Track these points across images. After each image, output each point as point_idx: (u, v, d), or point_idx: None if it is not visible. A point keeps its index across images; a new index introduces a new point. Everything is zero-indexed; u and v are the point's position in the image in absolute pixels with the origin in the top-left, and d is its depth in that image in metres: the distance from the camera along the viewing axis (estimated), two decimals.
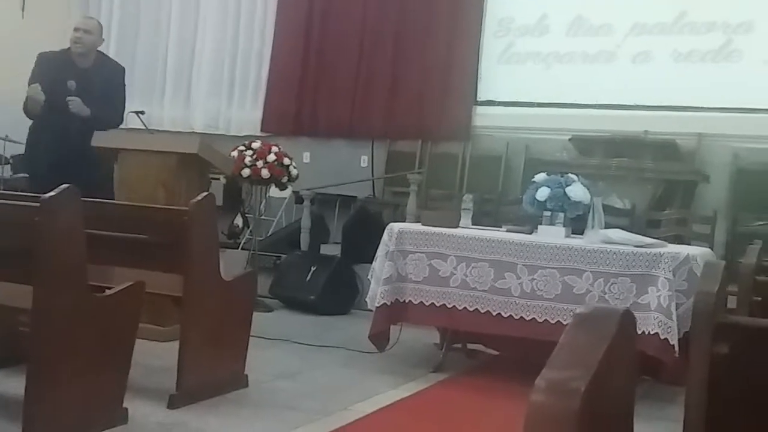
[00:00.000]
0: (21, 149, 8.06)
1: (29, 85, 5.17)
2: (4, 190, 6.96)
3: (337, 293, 6.27)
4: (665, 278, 3.89)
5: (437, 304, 4.36)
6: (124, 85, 5.49)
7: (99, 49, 5.47)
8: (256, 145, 6.26)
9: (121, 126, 8.49)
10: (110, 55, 9.25)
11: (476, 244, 4.31)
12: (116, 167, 4.96)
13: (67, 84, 5.18)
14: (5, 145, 7.94)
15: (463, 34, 7.65)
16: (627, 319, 1.09)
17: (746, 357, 1.57)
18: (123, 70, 5.57)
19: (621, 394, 1.10)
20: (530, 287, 4.15)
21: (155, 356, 4.02)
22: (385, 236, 4.56)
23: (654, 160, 6.49)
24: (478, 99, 7.69)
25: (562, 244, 4.15)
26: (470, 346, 4.88)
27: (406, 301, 4.44)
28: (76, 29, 5.35)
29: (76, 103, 5.17)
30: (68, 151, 5.13)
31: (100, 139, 4.93)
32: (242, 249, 7.12)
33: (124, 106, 5.49)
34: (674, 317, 3.83)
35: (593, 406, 0.93)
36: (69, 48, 5.36)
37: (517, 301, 4.18)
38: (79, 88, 5.20)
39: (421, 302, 4.40)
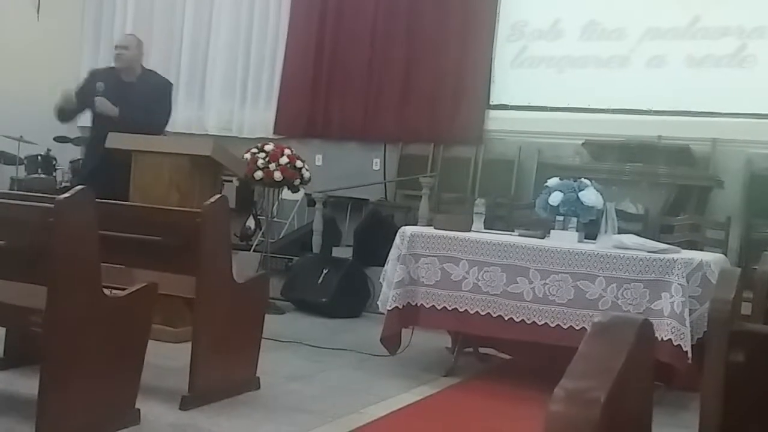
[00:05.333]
0: (35, 150, 8.12)
1: (74, 94, 5.41)
2: (18, 190, 7.01)
3: (348, 296, 6.27)
4: (679, 284, 3.87)
5: (449, 308, 4.36)
6: (169, 98, 5.65)
7: (146, 66, 5.72)
8: (268, 147, 6.27)
9: None
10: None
11: (488, 248, 4.30)
12: (131, 169, 4.98)
13: (96, 85, 5.38)
14: (19, 146, 7.97)
15: (477, 38, 7.64)
16: (646, 328, 1.08)
17: (762, 365, 1.56)
18: (168, 84, 5.78)
19: (640, 404, 1.10)
20: (542, 292, 4.14)
21: (167, 357, 4.04)
22: (397, 239, 4.56)
23: (667, 165, 6.46)
24: (490, 103, 7.67)
25: (574, 249, 4.14)
26: (482, 350, 4.87)
27: (418, 304, 4.44)
28: (116, 47, 5.64)
29: (100, 102, 5.36)
30: (101, 158, 5.28)
31: (115, 141, 4.96)
32: (254, 251, 7.14)
33: (166, 117, 5.61)
34: (687, 323, 3.82)
35: (613, 415, 0.92)
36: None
37: (529, 306, 4.17)
38: (122, 100, 5.36)
39: (433, 306, 4.40)
